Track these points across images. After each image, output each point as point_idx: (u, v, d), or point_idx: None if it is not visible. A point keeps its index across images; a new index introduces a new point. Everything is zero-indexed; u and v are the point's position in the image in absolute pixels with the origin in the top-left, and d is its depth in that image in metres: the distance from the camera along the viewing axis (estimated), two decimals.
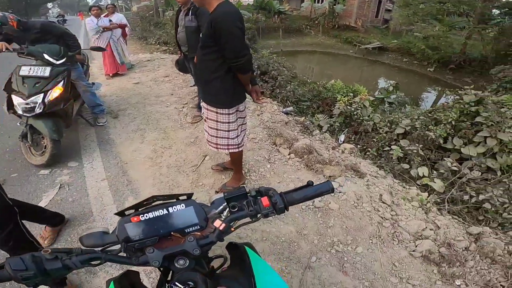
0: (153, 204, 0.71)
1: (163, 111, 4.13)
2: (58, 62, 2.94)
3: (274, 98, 4.98)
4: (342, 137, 3.97)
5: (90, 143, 3.40)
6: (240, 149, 2.28)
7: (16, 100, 2.75)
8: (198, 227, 0.69)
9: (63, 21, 18.28)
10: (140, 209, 0.70)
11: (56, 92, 2.86)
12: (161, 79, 5.67)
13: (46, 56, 2.91)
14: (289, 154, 3.03)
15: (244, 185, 2.55)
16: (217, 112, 2.07)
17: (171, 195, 0.71)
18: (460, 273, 1.81)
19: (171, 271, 0.73)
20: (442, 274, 1.85)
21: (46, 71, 2.85)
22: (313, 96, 5.62)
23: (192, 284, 0.63)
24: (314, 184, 0.75)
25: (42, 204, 2.46)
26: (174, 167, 2.90)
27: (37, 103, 2.74)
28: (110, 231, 0.73)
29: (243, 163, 2.65)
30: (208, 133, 2.22)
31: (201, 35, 1.92)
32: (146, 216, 0.66)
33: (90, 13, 5.61)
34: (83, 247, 0.67)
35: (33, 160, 2.97)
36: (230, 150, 2.24)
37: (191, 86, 4.89)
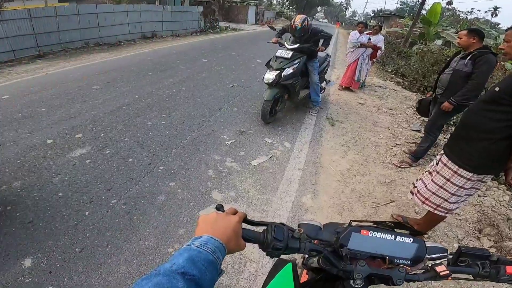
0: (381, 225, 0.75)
1: (373, 141, 4.16)
2: (289, 47, 3.86)
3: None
4: None
5: (306, 136, 4.03)
6: (447, 215, 2.03)
7: (266, 73, 3.85)
8: (408, 262, 0.69)
9: None
10: (371, 224, 0.75)
11: (288, 70, 3.76)
12: (384, 109, 5.63)
13: (284, 43, 3.96)
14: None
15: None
16: (455, 172, 1.86)
17: (411, 228, 0.75)
18: None
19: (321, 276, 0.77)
20: None
21: (289, 54, 3.82)
22: None
23: None
24: None
25: (253, 162, 3.19)
26: (357, 194, 2.95)
27: (274, 76, 3.70)
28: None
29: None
30: (425, 186, 2.07)
31: (496, 89, 1.71)
32: (375, 234, 0.69)
33: (357, 28, 6.10)
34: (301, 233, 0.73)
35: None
36: (436, 211, 2.02)
37: (413, 129, 4.57)
